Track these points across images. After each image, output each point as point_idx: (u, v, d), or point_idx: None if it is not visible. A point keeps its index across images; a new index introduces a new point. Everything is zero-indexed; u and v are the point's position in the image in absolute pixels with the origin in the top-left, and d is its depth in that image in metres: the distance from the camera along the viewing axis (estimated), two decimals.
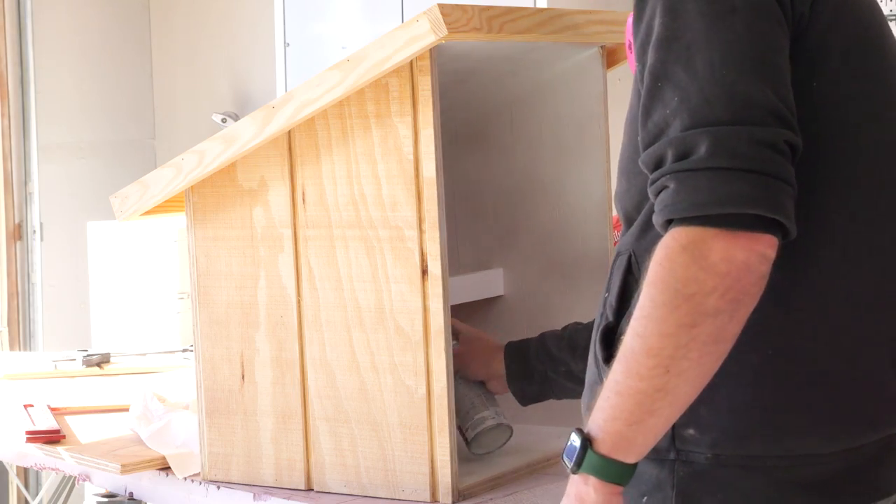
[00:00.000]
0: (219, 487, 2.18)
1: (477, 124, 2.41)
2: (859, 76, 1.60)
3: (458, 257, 2.44)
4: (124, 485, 2.33)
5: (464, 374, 2.20)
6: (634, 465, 1.53)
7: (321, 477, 2.11)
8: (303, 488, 2.13)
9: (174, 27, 5.39)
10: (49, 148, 5.15)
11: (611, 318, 1.62)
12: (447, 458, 2.01)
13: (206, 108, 5.22)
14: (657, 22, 1.53)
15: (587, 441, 1.52)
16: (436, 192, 1.98)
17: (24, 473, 4.92)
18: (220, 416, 2.19)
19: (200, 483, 2.21)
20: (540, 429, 2.33)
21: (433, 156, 1.98)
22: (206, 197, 2.17)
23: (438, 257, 1.99)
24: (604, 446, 1.51)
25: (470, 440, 2.17)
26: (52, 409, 2.65)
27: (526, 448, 2.24)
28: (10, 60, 5.05)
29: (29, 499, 4.58)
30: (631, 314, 1.51)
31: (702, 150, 1.46)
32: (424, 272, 2.00)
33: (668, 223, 1.48)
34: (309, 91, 2.01)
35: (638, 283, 1.56)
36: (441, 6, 1.89)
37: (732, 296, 1.45)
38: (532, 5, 3.90)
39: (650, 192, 1.52)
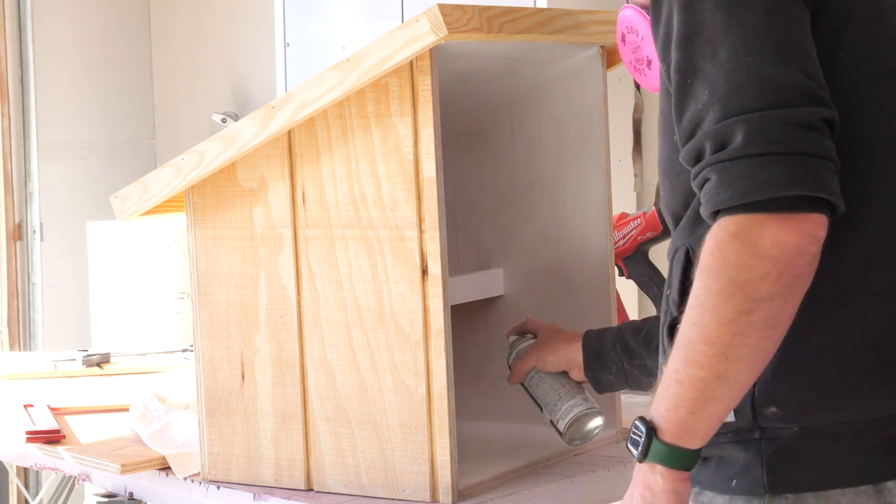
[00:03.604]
0: (219, 487, 2.18)
1: (477, 124, 2.41)
2: (880, 40, 1.61)
3: (458, 257, 2.43)
4: (124, 485, 2.33)
5: (543, 367, 2.16)
6: (699, 451, 1.55)
7: (321, 477, 2.11)
8: (303, 488, 2.13)
9: (174, 27, 5.39)
10: (49, 148, 5.15)
11: (675, 314, 1.64)
12: (447, 458, 2.01)
13: (206, 108, 5.21)
14: (676, 20, 1.55)
15: (652, 430, 1.55)
16: (436, 192, 1.98)
17: (24, 473, 4.92)
18: (220, 416, 2.19)
19: (200, 483, 2.21)
20: (540, 429, 2.33)
21: (433, 156, 1.98)
22: (206, 197, 2.17)
23: (438, 257, 1.99)
24: (668, 434, 1.55)
25: (563, 431, 2.12)
26: (52, 409, 2.65)
27: (526, 448, 2.24)
28: (10, 60, 5.05)
29: (29, 499, 4.59)
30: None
31: (738, 139, 1.48)
32: (424, 272, 2.00)
33: (715, 214, 1.50)
34: (309, 91, 2.01)
35: None
36: (441, 6, 1.89)
37: (786, 279, 1.47)
38: (532, 5, 3.91)
39: (694, 186, 1.54)
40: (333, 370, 2.08)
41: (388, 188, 2.01)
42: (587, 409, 2.11)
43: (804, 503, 1.58)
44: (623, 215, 2.73)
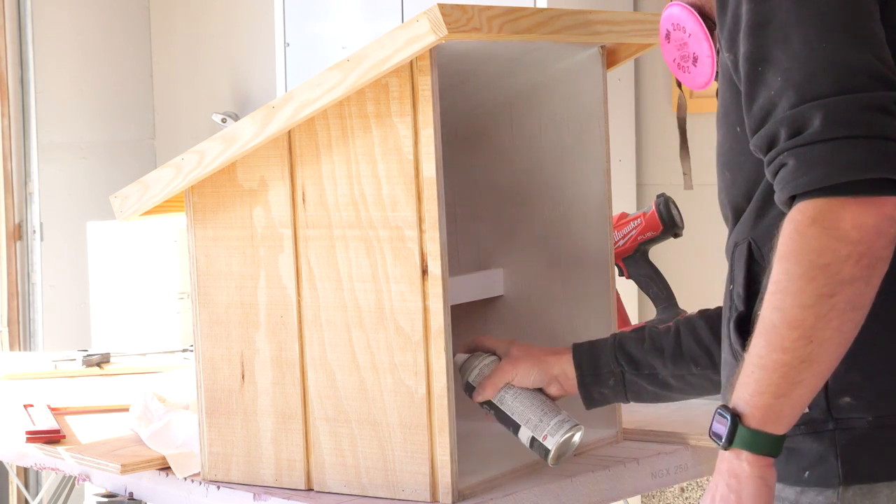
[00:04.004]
0: (219, 487, 2.18)
1: (477, 124, 2.41)
2: None
3: (458, 257, 2.43)
4: (124, 485, 2.33)
5: (522, 383, 2.10)
6: (784, 437, 1.57)
7: (321, 477, 2.11)
8: (303, 488, 2.13)
9: (174, 27, 5.39)
10: (49, 148, 5.15)
11: (741, 308, 1.67)
12: (447, 458, 2.01)
13: (206, 108, 5.22)
14: (744, 9, 1.57)
15: (736, 417, 1.56)
16: (436, 192, 1.98)
17: (24, 473, 4.92)
18: (220, 416, 2.19)
19: (200, 483, 2.21)
20: None
21: (433, 156, 1.98)
22: (206, 197, 2.17)
23: (438, 257, 1.99)
24: (753, 420, 1.56)
25: (552, 448, 2.05)
26: (52, 409, 2.65)
27: (526, 448, 2.24)
28: (10, 60, 5.05)
29: (29, 499, 4.59)
30: (761, 300, 1.54)
31: (815, 123, 1.50)
32: (424, 272, 2.00)
33: (791, 200, 1.52)
34: (309, 91, 2.01)
35: (762, 269, 1.62)
36: (441, 6, 1.89)
37: (867, 261, 1.49)
38: (532, 5, 3.91)
39: (767, 172, 1.56)
40: (333, 370, 2.08)
41: (388, 188, 2.01)
42: (574, 424, 2.07)
43: (877, 494, 1.60)
44: (623, 215, 2.73)
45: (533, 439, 2.08)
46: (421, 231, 2.00)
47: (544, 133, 2.36)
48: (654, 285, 2.75)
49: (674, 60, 1.91)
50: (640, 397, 2.11)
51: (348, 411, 2.08)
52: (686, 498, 4.39)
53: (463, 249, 2.44)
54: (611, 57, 2.34)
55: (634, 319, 3.89)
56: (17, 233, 5.12)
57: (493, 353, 2.15)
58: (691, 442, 2.31)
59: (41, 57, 5.12)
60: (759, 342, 1.54)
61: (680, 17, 1.88)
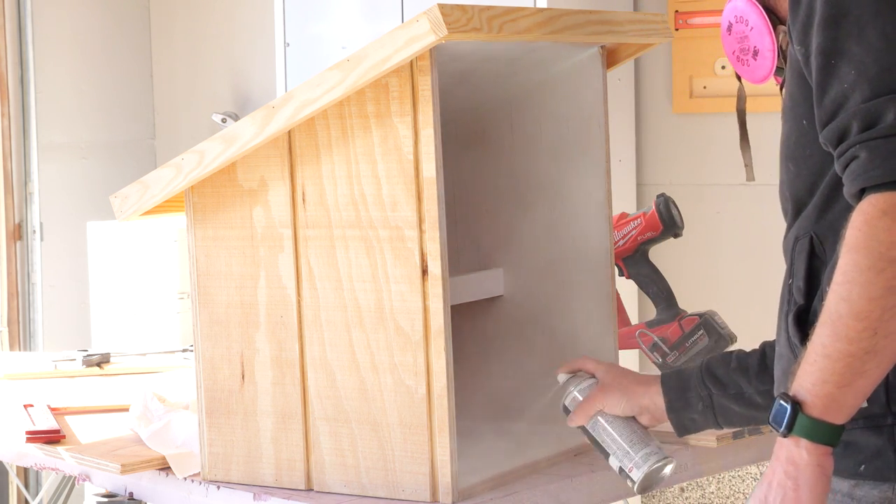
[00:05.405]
0: (219, 487, 2.18)
1: (477, 124, 2.41)
2: None
3: (458, 257, 2.44)
4: (124, 485, 2.33)
5: (612, 410, 2.05)
6: (843, 427, 1.57)
7: (321, 477, 2.11)
8: (303, 488, 2.13)
9: (174, 27, 5.39)
10: (49, 148, 5.15)
11: (801, 301, 1.67)
12: (447, 458, 2.01)
13: (206, 108, 5.22)
14: (819, 3, 1.58)
15: (797, 405, 1.57)
16: (436, 192, 1.98)
17: (24, 473, 4.92)
18: (220, 416, 2.19)
19: (200, 483, 2.21)
20: (539, 429, 2.33)
21: (433, 156, 1.98)
22: (206, 197, 2.17)
23: (438, 257, 1.99)
24: (814, 409, 1.57)
25: (638, 480, 2.02)
26: (52, 409, 2.65)
27: (526, 448, 2.24)
28: (10, 60, 5.05)
29: (29, 499, 4.59)
30: (821, 295, 1.56)
31: (889, 117, 1.51)
32: (424, 272, 2.00)
33: (861, 192, 1.52)
34: (309, 91, 2.01)
35: (823, 263, 1.63)
36: (441, 6, 1.89)
37: None
38: (532, 5, 3.91)
39: (837, 165, 1.56)
40: (333, 370, 2.08)
41: (388, 188, 2.01)
42: (662, 457, 2.03)
43: None
44: (623, 215, 2.73)
45: (621, 469, 2.04)
46: (421, 231, 2.00)
47: (544, 133, 2.36)
48: (654, 285, 2.75)
49: (733, 53, 1.90)
50: (731, 421, 2.05)
51: (348, 411, 2.08)
52: (686, 498, 4.39)
53: (463, 249, 2.44)
54: (611, 57, 2.34)
55: (634, 319, 3.89)
56: (17, 233, 5.12)
57: (593, 376, 2.10)
58: (691, 442, 2.31)
59: (41, 57, 5.11)
60: (824, 332, 1.55)
61: (744, 10, 1.87)
